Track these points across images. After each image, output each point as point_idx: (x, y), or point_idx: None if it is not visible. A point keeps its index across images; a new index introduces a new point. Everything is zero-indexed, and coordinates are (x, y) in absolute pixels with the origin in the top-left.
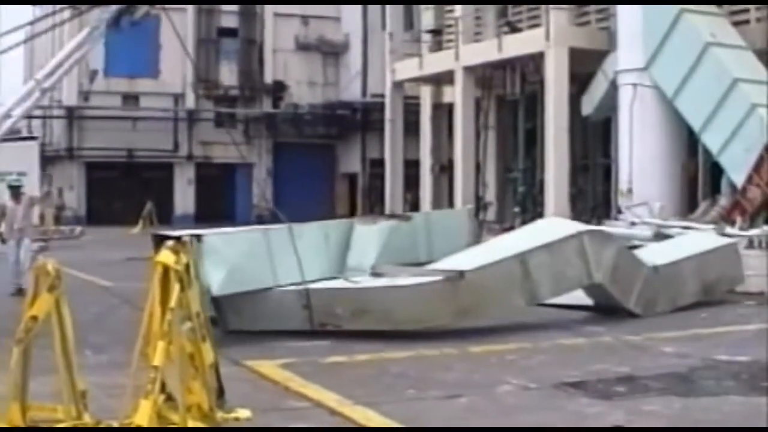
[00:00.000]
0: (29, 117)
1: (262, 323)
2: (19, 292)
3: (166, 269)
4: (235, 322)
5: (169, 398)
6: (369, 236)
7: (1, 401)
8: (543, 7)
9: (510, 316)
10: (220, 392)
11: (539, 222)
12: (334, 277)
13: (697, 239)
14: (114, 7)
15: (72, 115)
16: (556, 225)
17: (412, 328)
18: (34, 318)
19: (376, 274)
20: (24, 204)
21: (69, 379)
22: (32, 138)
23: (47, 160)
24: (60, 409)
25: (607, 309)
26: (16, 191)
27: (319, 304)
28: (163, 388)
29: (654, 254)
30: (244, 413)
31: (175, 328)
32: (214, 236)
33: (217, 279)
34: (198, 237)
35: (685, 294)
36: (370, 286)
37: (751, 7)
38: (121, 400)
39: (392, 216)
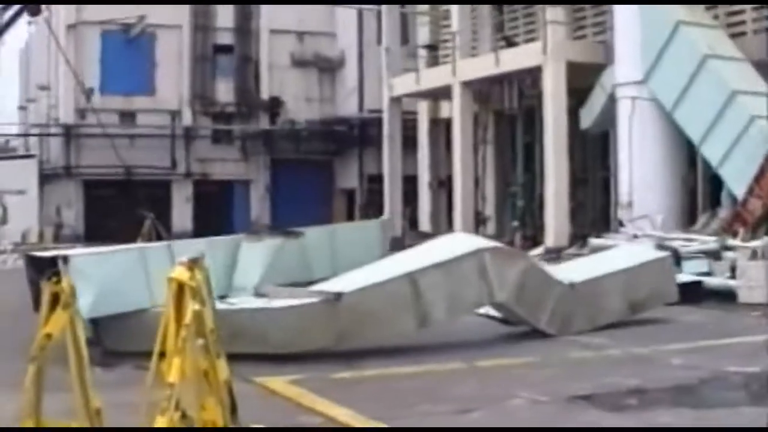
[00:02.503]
0: (26, 135)
1: (140, 344)
2: None
3: (180, 286)
4: (113, 342)
5: (184, 415)
6: (254, 255)
7: (15, 419)
8: (540, 21)
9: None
10: (233, 409)
11: (443, 238)
12: (220, 297)
13: (626, 254)
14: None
15: (69, 133)
16: (459, 242)
17: (289, 352)
18: (49, 336)
19: (259, 294)
20: None
21: (84, 397)
22: (30, 156)
23: (45, 177)
24: (74, 426)
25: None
26: None
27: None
28: (177, 404)
29: (573, 271)
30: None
31: (190, 345)
32: (82, 257)
33: (85, 301)
34: (65, 258)
35: (607, 312)
36: (244, 308)
37: (748, 18)
38: (135, 417)
39: (281, 232)
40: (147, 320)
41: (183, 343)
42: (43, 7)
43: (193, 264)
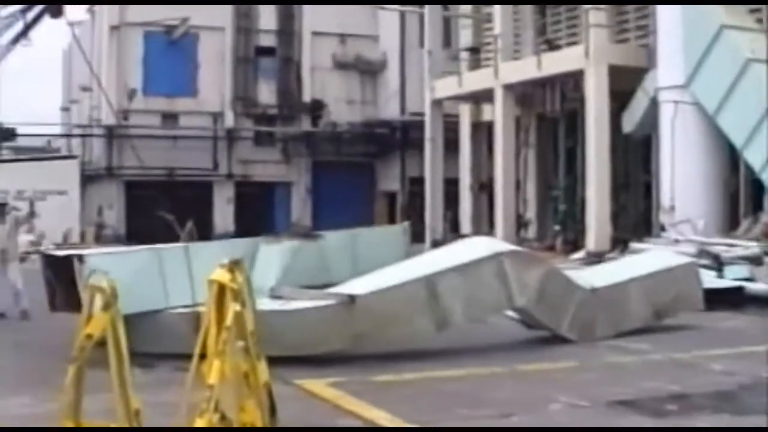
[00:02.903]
0: (69, 136)
1: (156, 345)
2: (24, 315)
3: (221, 288)
4: (130, 343)
5: (223, 417)
6: (271, 257)
7: (55, 419)
8: (582, 24)
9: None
10: (273, 411)
11: (464, 241)
12: None
13: (651, 259)
14: None
15: (111, 134)
16: (479, 245)
17: (304, 354)
18: (89, 336)
19: (275, 296)
20: (9, 224)
21: (123, 398)
22: (72, 157)
23: (87, 178)
24: (113, 427)
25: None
26: (0, 209)
27: None
28: (216, 406)
29: (596, 276)
30: None
31: (230, 347)
32: (97, 257)
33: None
34: (80, 258)
35: (630, 317)
36: (259, 309)
37: None
38: (174, 418)
39: (300, 235)
40: (162, 321)
41: (223, 344)
42: (67, 8)
43: (234, 266)
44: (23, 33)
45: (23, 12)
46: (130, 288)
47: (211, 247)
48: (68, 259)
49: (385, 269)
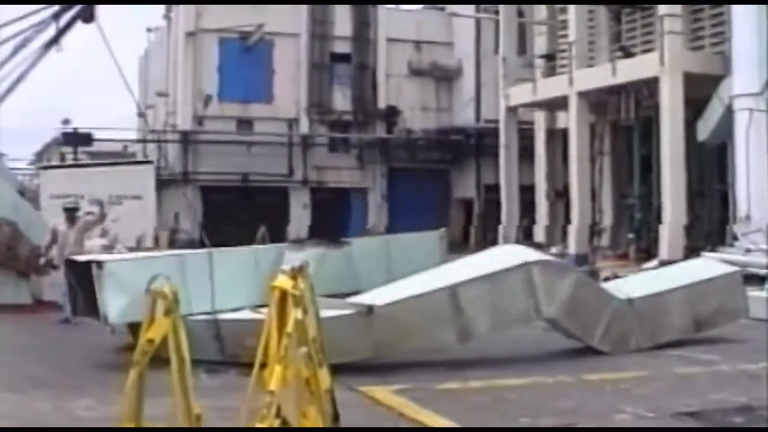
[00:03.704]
0: (145, 141)
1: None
2: (66, 321)
3: (283, 294)
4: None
5: (284, 423)
6: (295, 264)
7: (115, 422)
8: (657, 31)
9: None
10: (335, 417)
11: (494, 249)
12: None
13: (694, 269)
14: None
15: (187, 140)
16: (508, 253)
17: None
18: (151, 341)
19: None
20: (78, 228)
21: (184, 402)
22: (148, 162)
23: (162, 183)
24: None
25: None
26: (71, 214)
27: (229, 336)
28: (278, 412)
29: (634, 285)
30: None
31: (292, 353)
32: (117, 263)
33: (116, 306)
34: (99, 264)
35: (669, 328)
36: None
37: None
38: (236, 423)
39: (325, 242)
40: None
41: (285, 351)
42: (99, 13)
43: (297, 273)
44: (55, 39)
45: (55, 18)
46: None
47: (234, 253)
48: (89, 264)
49: (411, 278)
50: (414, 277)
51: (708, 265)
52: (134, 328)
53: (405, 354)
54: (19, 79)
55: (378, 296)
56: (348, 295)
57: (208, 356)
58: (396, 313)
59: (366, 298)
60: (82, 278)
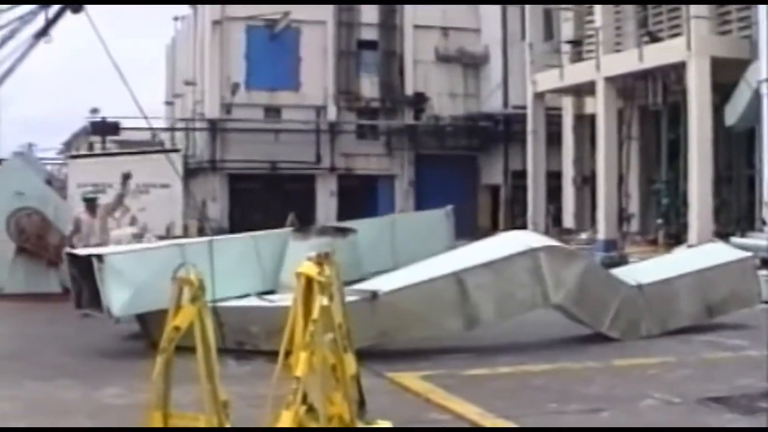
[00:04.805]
0: (173, 129)
1: (183, 338)
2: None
3: (308, 281)
4: (159, 336)
5: (311, 409)
6: (299, 253)
7: (144, 410)
8: (684, 15)
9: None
10: (361, 403)
11: (501, 235)
12: (269, 292)
13: (705, 254)
14: None
15: (215, 128)
16: (515, 240)
17: None
18: (177, 328)
19: None
20: (100, 216)
21: (211, 389)
22: (175, 150)
23: (190, 172)
24: (201, 419)
25: None
26: (91, 204)
27: (232, 323)
28: (304, 398)
29: (644, 271)
30: (384, 424)
31: (318, 339)
32: (118, 255)
33: (119, 299)
34: (100, 257)
35: (680, 315)
36: (280, 305)
37: None
38: (263, 410)
39: (330, 230)
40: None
41: (311, 337)
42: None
43: (323, 259)
44: (44, 30)
45: (44, 8)
46: (152, 285)
47: (235, 241)
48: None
49: (417, 264)
50: (420, 263)
51: (720, 251)
52: (141, 316)
53: (430, 341)
54: (9, 71)
55: (383, 282)
56: (353, 282)
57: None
58: (401, 299)
59: (371, 285)
60: (85, 272)
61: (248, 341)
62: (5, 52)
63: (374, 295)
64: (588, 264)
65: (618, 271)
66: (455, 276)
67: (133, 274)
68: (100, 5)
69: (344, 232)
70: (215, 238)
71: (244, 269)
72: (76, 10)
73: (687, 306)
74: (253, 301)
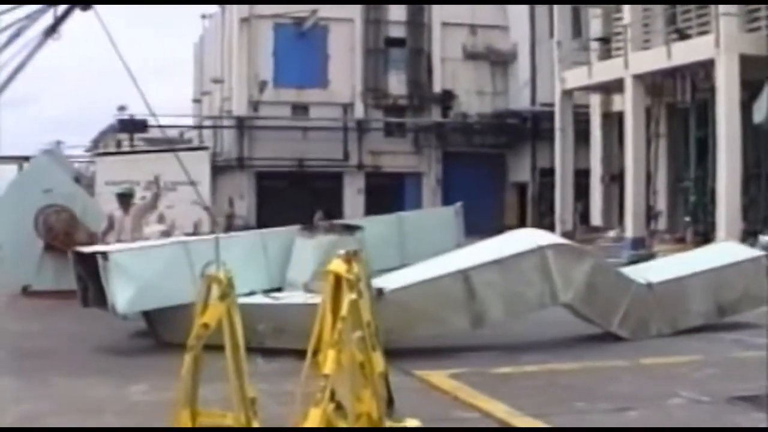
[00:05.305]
0: (200, 127)
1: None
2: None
3: (337, 278)
4: (165, 334)
5: (339, 406)
6: (306, 251)
7: (172, 407)
8: (712, 13)
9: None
10: (390, 401)
11: (509, 233)
12: (276, 289)
13: (717, 252)
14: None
15: (242, 125)
16: (523, 238)
17: None
18: (205, 326)
19: (309, 290)
20: (134, 214)
21: (239, 387)
22: (203, 148)
23: (218, 169)
24: (229, 416)
25: None
26: (125, 200)
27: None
28: (332, 396)
29: (654, 270)
30: (412, 422)
31: (346, 337)
32: (122, 253)
33: (124, 296)
34: (104, 255)
35: (690, 314)
36: (287, 303)
37: None
38: (291, 407)
39: (336, 228)
40: (191, 314)
41: (339, 334)
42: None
43: (351, 257)
44: (53, 27)
45: (51, 6)
46: (157, 282)
47: (242, 239)
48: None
49: (424, 262)
50: (427, 261)
51: (733, 250)
52: (147, 314)
53: (455, 338)
54: (18, 69)
55: (389, 280)
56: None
57: (217, 340)
58: (407, 297)
59: (377, 283)
60: (91, 270)
61: (252, 339)
62: (14, 50)
63: (380, 292)
64: (597, 262)
65: (628, 270)
66: (462, 273)
67: (137, 272)
68: (119, 5)
69: (351, 229)
70: (221, 235)
71: (250, 267)
72: (84, 9)
73: (698, 305)
74: (260, 299)
